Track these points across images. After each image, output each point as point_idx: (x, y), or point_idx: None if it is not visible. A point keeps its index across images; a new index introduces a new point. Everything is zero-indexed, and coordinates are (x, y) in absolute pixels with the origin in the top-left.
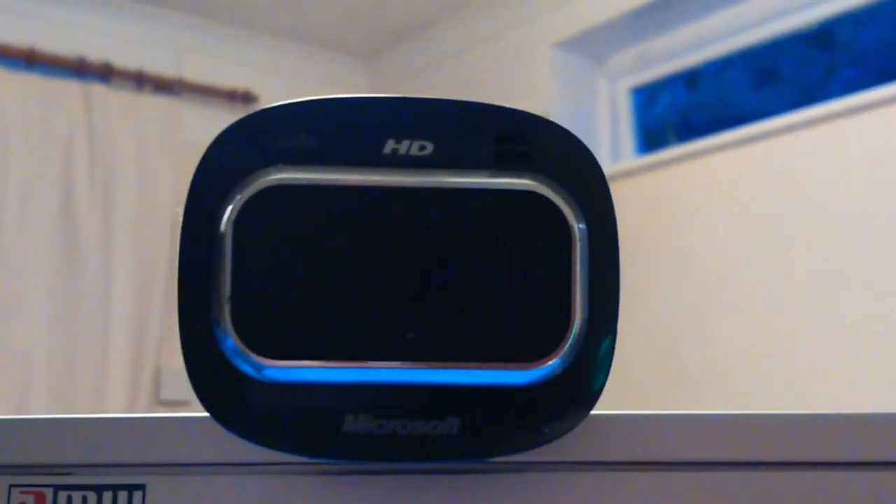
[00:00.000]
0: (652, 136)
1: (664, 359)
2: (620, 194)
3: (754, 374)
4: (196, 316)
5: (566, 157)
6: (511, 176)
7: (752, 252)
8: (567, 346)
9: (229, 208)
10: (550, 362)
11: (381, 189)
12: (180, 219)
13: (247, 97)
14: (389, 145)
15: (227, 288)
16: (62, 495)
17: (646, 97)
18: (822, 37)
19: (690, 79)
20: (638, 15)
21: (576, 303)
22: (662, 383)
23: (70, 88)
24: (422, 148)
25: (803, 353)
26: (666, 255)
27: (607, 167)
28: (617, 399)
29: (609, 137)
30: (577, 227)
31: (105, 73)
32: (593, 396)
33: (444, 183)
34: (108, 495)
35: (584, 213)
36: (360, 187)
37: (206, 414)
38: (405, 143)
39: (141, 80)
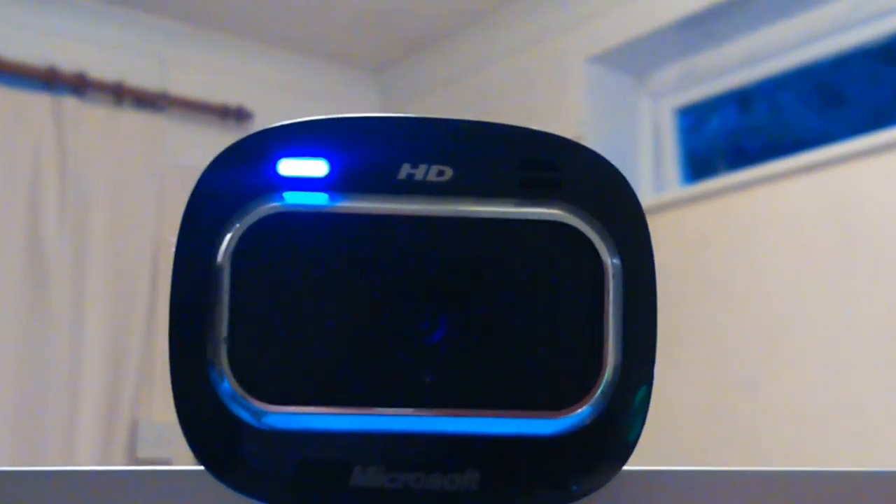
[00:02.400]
0: (700, 163)
1: (713, 413)
2: (664, 228)
3: (815, 430)
4: (189, 357)
5: (598, 184)
6: (538, 205)
7: (813, 294)
8: (598, 392)
9: (227, 237)
10: (580, 411)
11: (396, 218)
12: (173, 248)
13: (240, 114)
14: (405, 170)
15: (224, 326)
16: None
17: (693, 119)
18: (892, 52)
19: (743, 99)
20: (684, 26)
21: (608, 345)
22: (710, 440)
23: (39, 102)
24: (440, 173)
25: (870, 407)
26: (715, 298)
27: (649, 198)
28: (660, 457)
29: (651, 164)
30: (611, 261)
31: (79, 85)
32: (627, 449)
33: (464, 212)
34: None
35: (618, 246)
36: (372, 216)
37: (199, 467)
38: (422, 168)
39: (120, 94)
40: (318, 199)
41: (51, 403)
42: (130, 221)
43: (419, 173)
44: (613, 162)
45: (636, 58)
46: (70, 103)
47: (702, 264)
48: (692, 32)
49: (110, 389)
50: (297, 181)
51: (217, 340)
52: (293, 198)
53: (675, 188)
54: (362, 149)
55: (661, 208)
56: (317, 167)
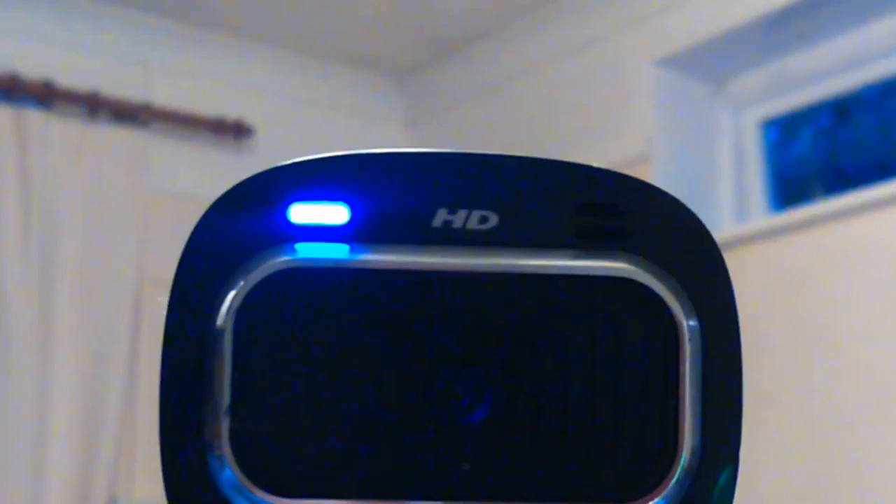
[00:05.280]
0: (790, 186)
1: (809, 486)
2: (748, 265)
3: None
4: (183, 438)
5: (671, 231)
6: (599, 257)
7: None
8: (673, 481)
9: (230, 297)
10: (652, 503)
11: (430, 273)
12: (164, 310)
13: (239, 129)
14: (441, 216)
15: (224, 401)
16: None
17: (781, 133)
18: None
19: (842, 109)
20: (771, 23)
21: (684, 424)
22: None
23: None
24: (483, 220)
25: None
26: (810, 348)
27: (730, 228)
28: None
29: (732, 188)
30: (687, 323)
31: (45, 96)
32: None
33: (511, 266)
34: None
35: (696, 305)
36: (401, 271)
37: None
38: (461, 214)
39: (95, 106)
40: (337, 252)
41: (12, 477)
42: (108, 258)
43: (458, 220)
44: (687, 186)
45: (714, 61)
46: (35, 117)
47: (793, 307)
48: (781, 31)
49: (83, 460)
50: (313, 230)
51: (217, 420)
52: (307, 250)
53: (761, 216)
54: (390, 191)
55: (744, 241)
56: (335, 213)
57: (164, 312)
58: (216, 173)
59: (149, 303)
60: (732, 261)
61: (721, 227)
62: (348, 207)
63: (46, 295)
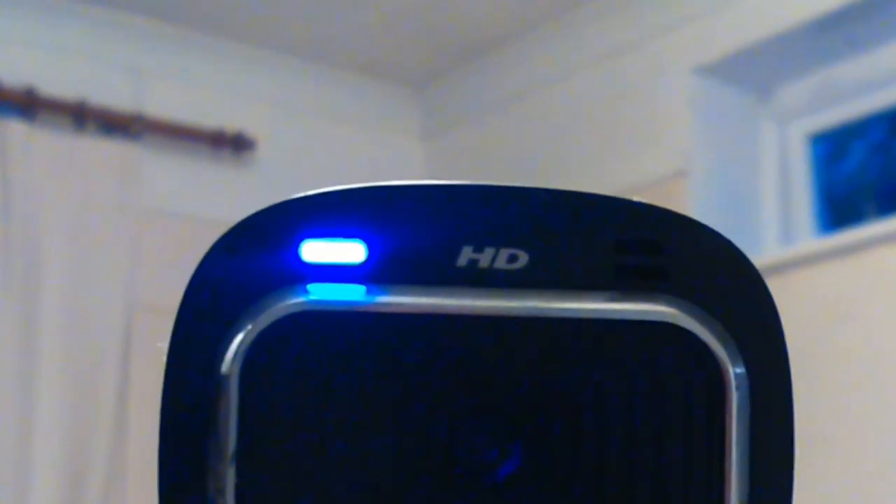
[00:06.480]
0: (840, 205)
1: None
2: (794, 292)
3: None
4: (184, 492)
5: (716, 271)
6: (638, 299)
7: None
8: None
9: (236, 341)
10: None
11: (454, 318)
12: (164, 356)
13: (239, 142)
14: (466, 255)
15: (229, 453)
16: None
17: (831, 148)
18: None
19: None
20: (820, 28)
21: (731, 480)
22: None
23: None
24: (512, 259)
25: None
26: (862, 382)
27: (774, 251)
28: None
29: (777, 207)
30: (733, 371)
31: (28, 105)
32: None
33: (543, 309)
34: None
35: (743, 351)
36: (422, 315)
37: None
38: (489, 253)
39: (82, 116)
40: (353, 294)
41: None
42: (96, 282)
43: (485, 259)
44: (728, 205)
45: (757, 69)
46: (16, 128)
47: (844, 338)
48: (830, 36)
49: (68, 502)
50: (326, 270)
51: (221, 472)
52: (321, 291)
53: (808, 239)
54: (410, 227)
55: (790, 266)
56: (351, 251)
57: (164, 358)
58: (214, 190)
59: (140, 331)
60: (777, 287)
61: (765, 251)
62: (365, 245)
63: (29, 322)
